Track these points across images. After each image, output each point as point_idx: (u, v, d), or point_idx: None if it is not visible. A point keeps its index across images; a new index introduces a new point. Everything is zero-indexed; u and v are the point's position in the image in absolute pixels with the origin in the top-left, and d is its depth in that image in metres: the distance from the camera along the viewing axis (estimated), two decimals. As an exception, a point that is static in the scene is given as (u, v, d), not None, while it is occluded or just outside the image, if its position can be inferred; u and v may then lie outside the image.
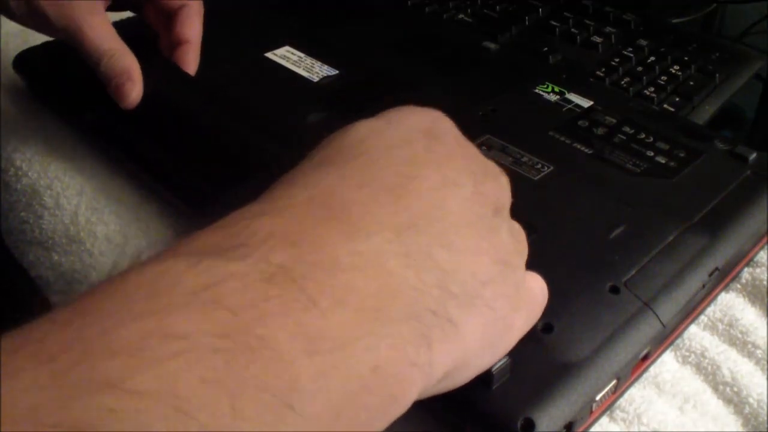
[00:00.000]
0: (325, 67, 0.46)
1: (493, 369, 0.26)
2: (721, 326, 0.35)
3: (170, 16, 0.46)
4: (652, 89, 0.48)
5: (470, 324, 0.22)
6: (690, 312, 0.33)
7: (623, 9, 0.56)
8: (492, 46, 0.51)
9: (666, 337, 0.32)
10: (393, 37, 0.51)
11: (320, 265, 0.20)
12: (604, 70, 0.50)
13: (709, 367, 0.33)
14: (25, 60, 0.49)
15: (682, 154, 0.39)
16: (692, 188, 0.37)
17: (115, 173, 0.44)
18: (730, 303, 0.36)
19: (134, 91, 0.42)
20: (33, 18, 0.43)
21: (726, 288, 0.36)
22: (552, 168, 0.38)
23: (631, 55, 0.51)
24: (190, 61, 0.45)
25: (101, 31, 0.43)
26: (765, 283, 0.36)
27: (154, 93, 0.42)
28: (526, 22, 0.55)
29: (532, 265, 0.29)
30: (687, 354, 0.33)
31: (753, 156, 0.39)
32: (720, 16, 0.68)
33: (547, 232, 0.33)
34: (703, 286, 0.33)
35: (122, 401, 0.15)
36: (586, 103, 0.44)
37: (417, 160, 0.24)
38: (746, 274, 0.37)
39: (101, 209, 0.42)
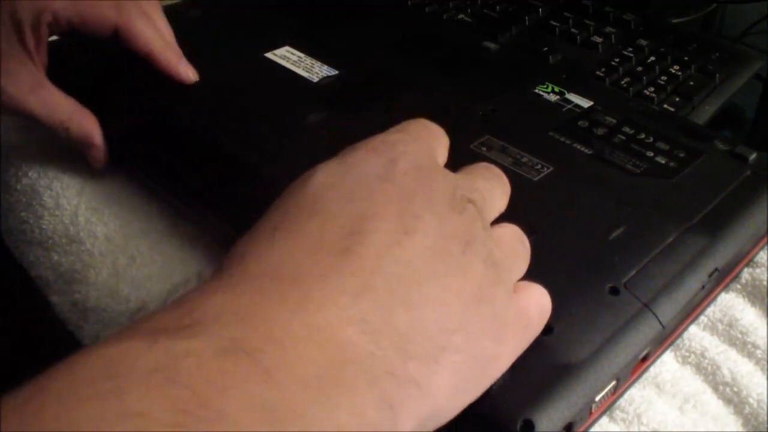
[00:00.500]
0: (325, 67, 0.46)
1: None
2: (720, 326, 0.35)
3: (119, 36, 0.42)
4: (652, 89, 0.48)
5: (437, 379, 0.22)
6: (690, 313, 0.33)
7: (623, 9, 0.56)
8: (492, 46, 0.51)
9: (665, 338, 0.32)
10: (393, 37, 0.51)
11: (272, 339, 0.20)
12: (604, 70, 0.50)
13: (709, 368, 0.33)
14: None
15: (682, 155, 0.39)
16: (692, 188, 0.37)
17: (115, 173, 0.44)
18: (730, 303, 0.36)
19: (99, 153, 0.42)
20: None
21: (726, 288, 0.36)
22: (552, 168, 0.38)
23: (631, 55, 0.51)
24: (172, 68, 0.43)
25: (48, 105, 0.41)
26: (765, 283, 0.36)
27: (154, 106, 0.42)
28: (526, 22, 0.55)
29: (532, 265, 0.29)
30: (687, 354, 0.33)
31: (753, 156, 0.39)
32: (720, 16, 0.68)
33: (547, 232, 0.33)
34: (703, 286, 0.33)
35: None
36: (586, 104, 0.44)
37: (373, 211, 0.24)
38: (746, 274, 0.37)
39: (101, 209, 0.42)
